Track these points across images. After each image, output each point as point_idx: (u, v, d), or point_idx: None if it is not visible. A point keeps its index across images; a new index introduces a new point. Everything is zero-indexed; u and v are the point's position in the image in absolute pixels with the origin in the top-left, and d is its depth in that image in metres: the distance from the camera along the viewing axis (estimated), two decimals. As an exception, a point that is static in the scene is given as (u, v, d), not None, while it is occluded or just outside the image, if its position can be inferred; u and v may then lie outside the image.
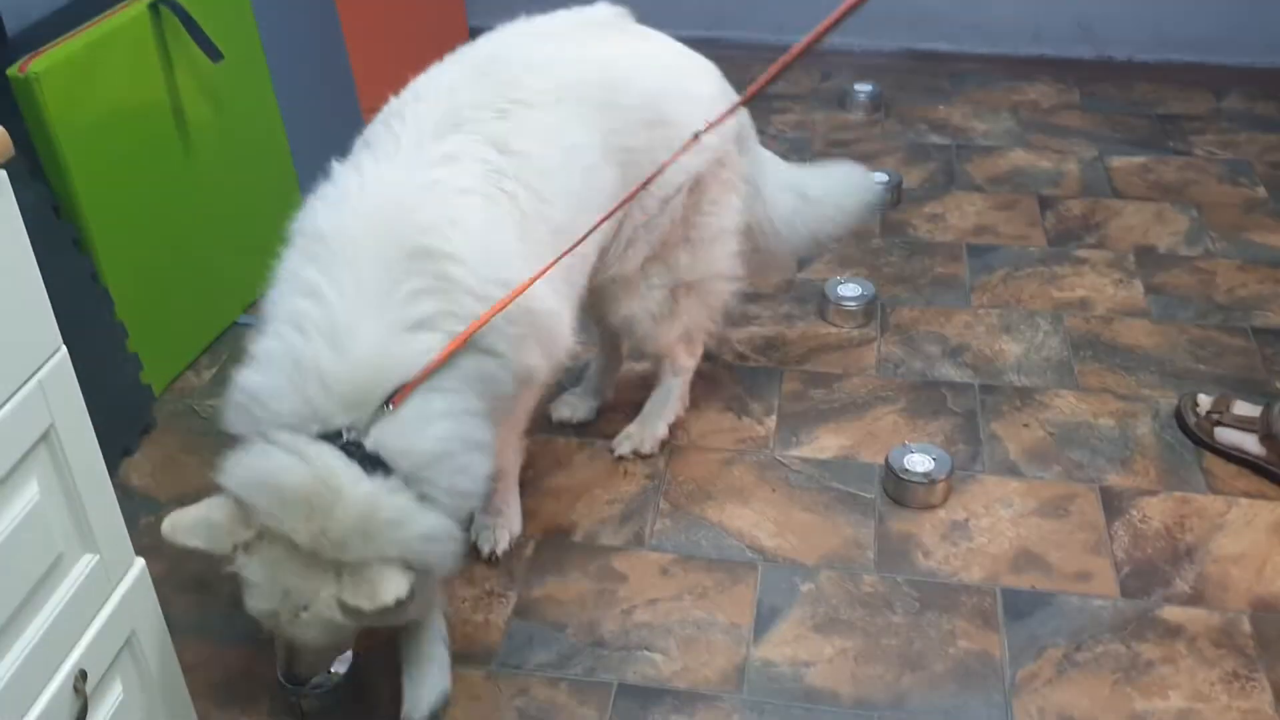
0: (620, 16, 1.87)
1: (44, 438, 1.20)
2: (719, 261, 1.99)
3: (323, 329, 1.42)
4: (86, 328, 2.07)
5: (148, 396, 2.27)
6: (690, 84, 1.87)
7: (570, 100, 1.67)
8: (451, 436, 1.46)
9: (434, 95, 1.63)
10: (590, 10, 1.86)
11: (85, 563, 1.28)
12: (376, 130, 1.63)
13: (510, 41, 1.76)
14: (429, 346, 1.44)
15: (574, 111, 1.67)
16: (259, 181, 2.59)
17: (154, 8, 2.15)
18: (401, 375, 1.43)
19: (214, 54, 2.25)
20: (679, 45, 1.90)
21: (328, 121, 3.04)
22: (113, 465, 2.14)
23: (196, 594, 1.90)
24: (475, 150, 1.56)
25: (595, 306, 1.94)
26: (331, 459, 1.39)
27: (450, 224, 1.49)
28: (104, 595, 1.32)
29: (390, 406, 1.41)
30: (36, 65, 1.91)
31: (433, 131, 1.57)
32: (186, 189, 2.35)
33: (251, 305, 2.60)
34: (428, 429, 1.44)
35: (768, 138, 3.26)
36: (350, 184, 1.55)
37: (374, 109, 3.44)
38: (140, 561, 1.39)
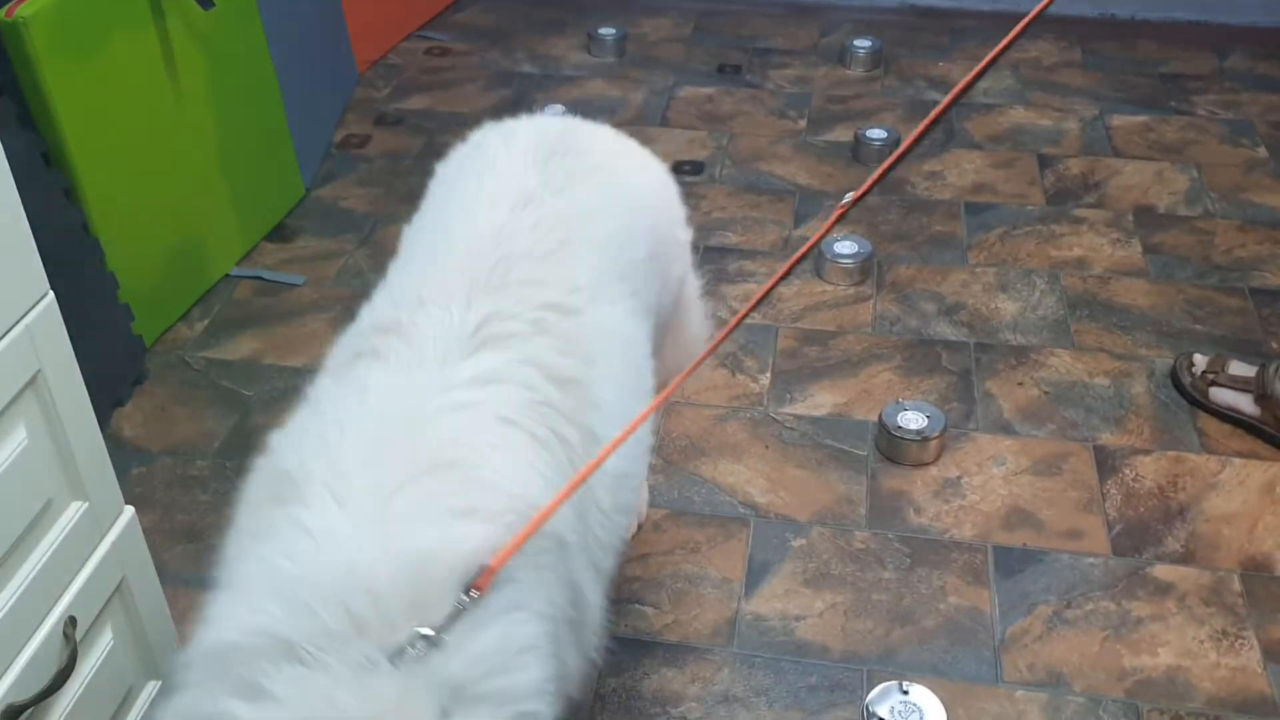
0: (568, 127, 1.53)
1: (31, 383, 1.19)
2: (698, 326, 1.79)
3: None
4: (77, 278, 2.05)
5: (139, 347, 2.26)
6: (658, 188, 1.59)
7: (603, 279, 1.33)
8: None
9: (445, 299, 1.22)
10: (540, 131, 1.49)
11: (74, 509, 1.28)
12: (371, 343, 1.21)
13: (487, 213, 1.35)
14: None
15: (610, 292, 1.33)
16: (251, 132, 2.56)
17: (144, -47, 2.12)
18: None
19: (205, 2, 2.23)
20: (625, 142, 1.59)
21: (321, 75, 3.01)
22: (104, 416, 2.14)
23: (187, 543, 1.90)
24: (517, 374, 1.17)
25: None
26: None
27: (490, 447, 1.10)
28: (93, 542, 1.32)
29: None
30: (24, 9, 1.88)
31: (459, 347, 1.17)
32: (178, 139, 2.32)
33: (244, 258, 2.59)
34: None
35: (766, 92, 3.24)
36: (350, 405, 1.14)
37: (367, 59, 3.42)
38: (130, 509, 1.38)
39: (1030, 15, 1.34)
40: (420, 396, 1.12)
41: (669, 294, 1.57)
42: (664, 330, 1.58)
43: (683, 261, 1.65)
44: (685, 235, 1.65)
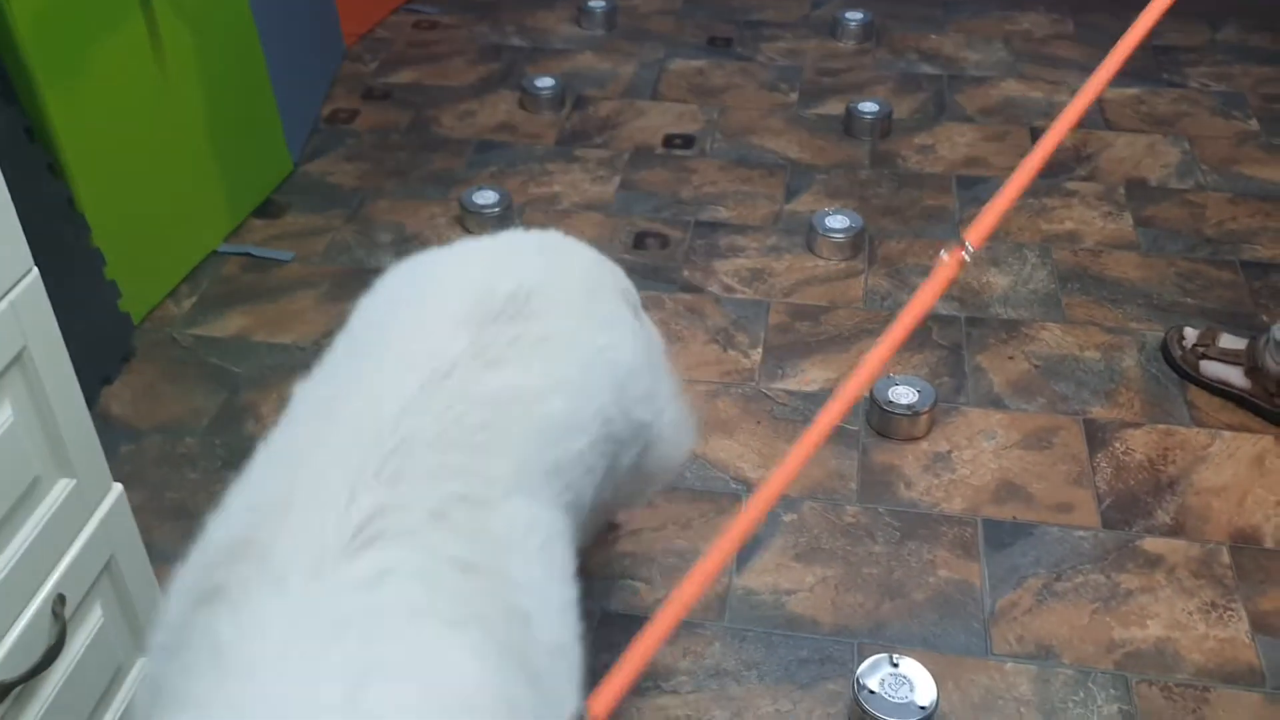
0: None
1: (17, 359, 1.18)
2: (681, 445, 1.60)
3: None
4: (63, 254, 2.04)
5: (126, 325, 2.25)
6: (629, 358, 1.33)
7: (526, 474, 1.12)
8: None
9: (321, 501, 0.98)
10: (493, 272, 1.27)
11: (62, 487, 1.27)
12: (215, 578, 0.93)
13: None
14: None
15: (533, 486, 1.12)
16: (238, 107, 2.54)
17: (127, -75, 2.10)
18: None
19: (190, -26, 2.20)
20: (601, 291, 1.37)
21: (308, 49, 2.99)
22: (92, 393, 2.13)
23: (176, 521, 1.90)
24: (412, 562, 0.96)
25: None
26: None
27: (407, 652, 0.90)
28: (82, 519, 1.31)
29: None
30: (6, -18, 1.86)
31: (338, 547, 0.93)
32: (164, 113, 2.30)
33: (232, 234, 2.57)
34: None
35: (756, 65, 3.22)
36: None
37: (354, 33, 3.39)
38: (118, 487, 1.38)
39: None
40: (293, 637, 0.86)
41: (622, 465, 1.33)
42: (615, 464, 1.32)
43: (645, 429, 1.37)
44: (657, 406, 1.38)
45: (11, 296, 1.16)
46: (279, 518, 0.95)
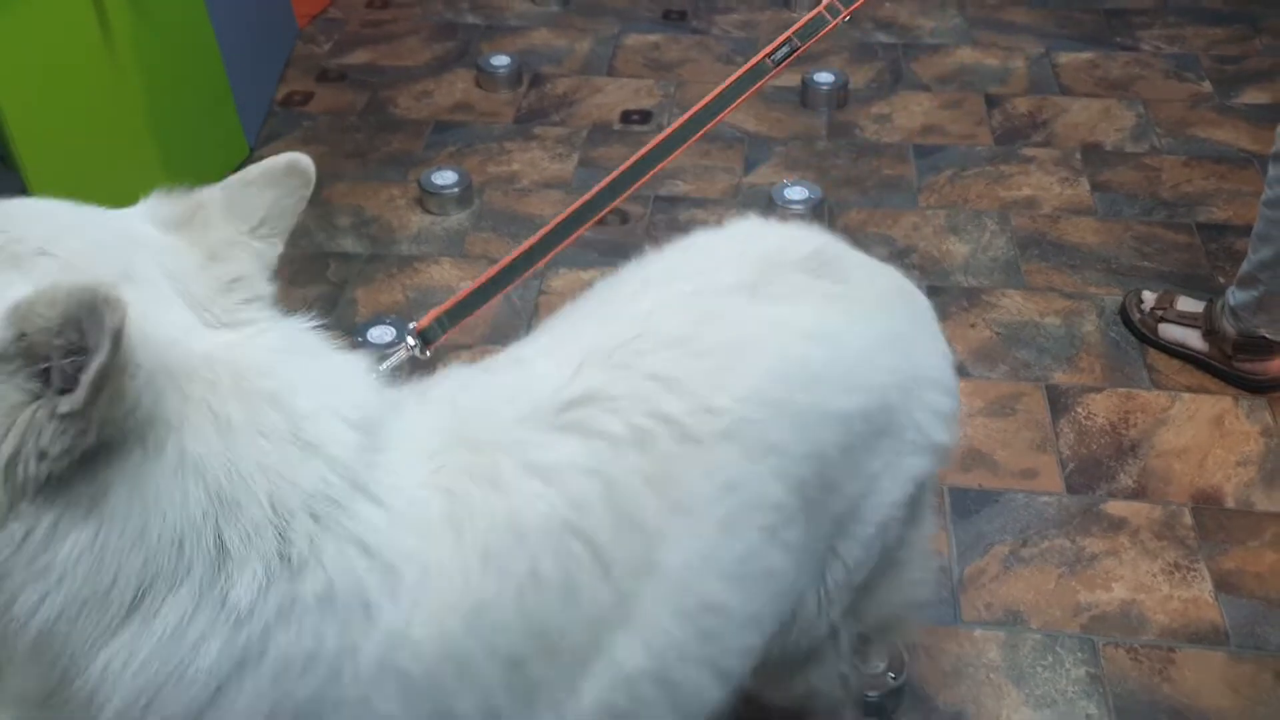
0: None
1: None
2: (925, 585, 1.41)
3: None
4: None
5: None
6: (925, 366, 1.23)
7: (754, 415, 1.02)
8: None
9: None
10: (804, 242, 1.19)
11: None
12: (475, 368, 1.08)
13: None
14: None
15: (757, 437, 1.01)
16: (192, 92, 2.50)
17: (69, -91, 2.06)
18: None
19: (135, -41, 2.16)
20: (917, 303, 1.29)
21: (261, 31, 2.94)
22: (51, 388, 2.10)
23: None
24: None
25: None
26: None
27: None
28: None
29: None
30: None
31: None
32: (116, 99, 2.27)
33: (188, 221, 2.54)
34: None
35: (712, 38, 3.21)
36: None
37: (307, 14, 3.33)
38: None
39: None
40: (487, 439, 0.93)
41: (870, 518, 1.15)
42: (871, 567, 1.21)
43: (918, 492, 1.20)
44: (932, 457, 1.20)
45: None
46: (520, 368, 1.03)
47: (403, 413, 0.92)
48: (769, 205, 2.52)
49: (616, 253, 2.43)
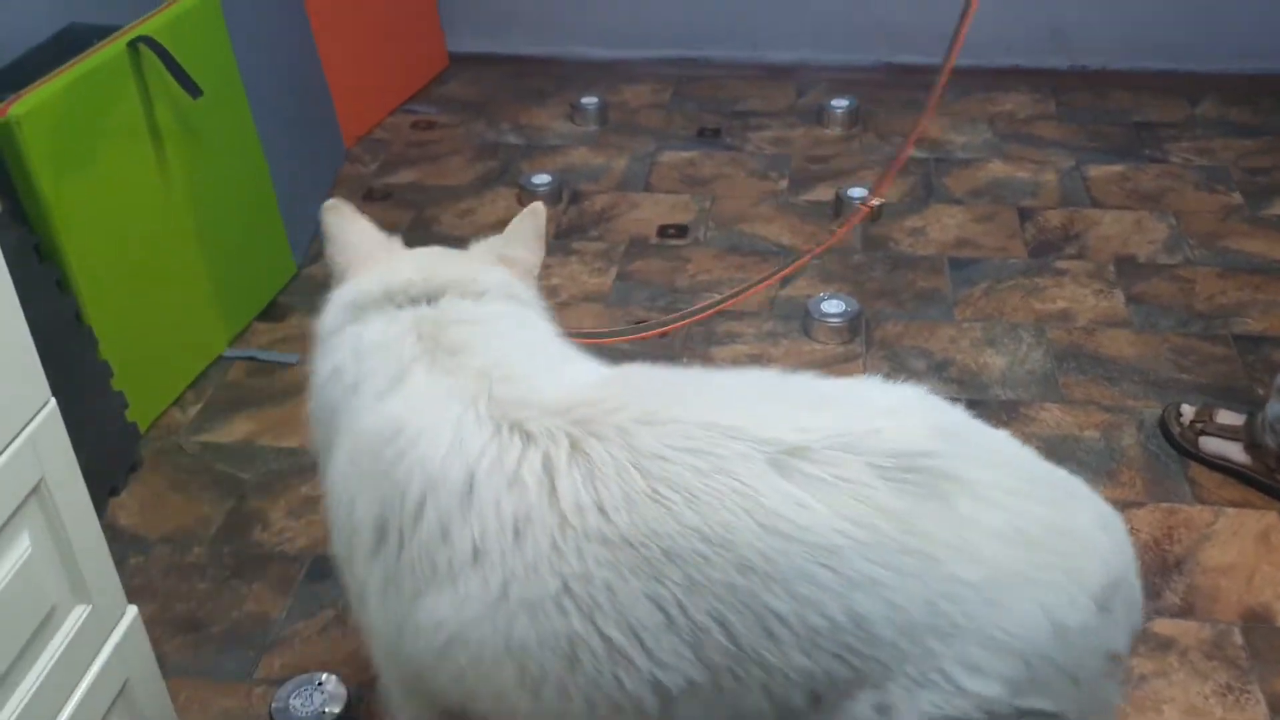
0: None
1: (35, 491, 1.20)
2: None
3: None
4: (71, 369, 2.06)
5: (134, 434, 2.26)
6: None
7: None
8: None
9: None
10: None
11: (78, 614, 1.28)
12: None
13: None
14: None
15: None
16: (241, 215, 2.58)
17: (133, 46, 2.15)
18: None
19: (194, 90, 2.25)
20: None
21: (309, 153, 3.04)
22: (99, 505, 2.12)
23: (186, 634, 1.89)
24: None
25: None
26: None
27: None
28: (97, 645, 1.31)
29: None
30: (17, 109, 1.90)
31: None
32: (168, 223, 2.34)
33: (236, 339, 2.60)
34: None
35: (746, 154, 3.28)
36: None
37: (354, 135, 3.44)
38: (133, 609, 1.38)
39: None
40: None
41: None
42: None
43: None
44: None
45: (30, 429, 1.18)
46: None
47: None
48: (806, 318, 2.55)
49: (653, 361, 2.45)
